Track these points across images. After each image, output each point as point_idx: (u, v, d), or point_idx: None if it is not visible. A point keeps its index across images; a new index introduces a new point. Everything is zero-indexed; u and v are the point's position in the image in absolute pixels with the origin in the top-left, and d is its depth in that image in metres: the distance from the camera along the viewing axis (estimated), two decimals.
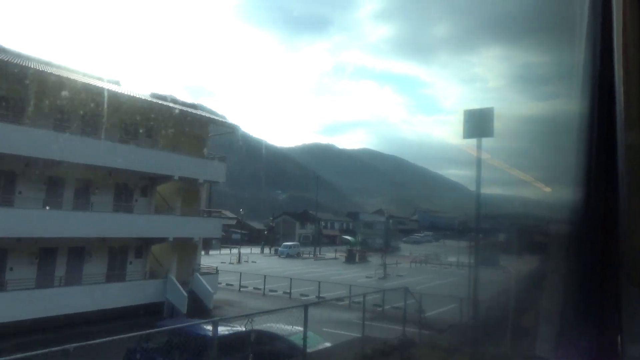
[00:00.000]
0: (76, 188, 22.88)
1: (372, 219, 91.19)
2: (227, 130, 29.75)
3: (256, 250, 77.44)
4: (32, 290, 20.66)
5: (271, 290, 33.88)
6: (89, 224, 22.10)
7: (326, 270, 50.79)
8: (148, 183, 25.78)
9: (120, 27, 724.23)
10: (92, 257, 23.38)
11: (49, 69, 22.10)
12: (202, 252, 69.07)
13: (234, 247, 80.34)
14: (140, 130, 25.41)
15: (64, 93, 21.09)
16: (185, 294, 23.80)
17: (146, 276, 25.26)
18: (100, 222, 22.64)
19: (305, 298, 31.78)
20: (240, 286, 34.78)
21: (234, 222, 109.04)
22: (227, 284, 35.59)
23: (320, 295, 31.82)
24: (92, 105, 22.76)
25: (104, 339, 9.44)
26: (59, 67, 24.84)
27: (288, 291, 32.96)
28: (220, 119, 28.75)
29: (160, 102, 26.36)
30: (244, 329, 14.23)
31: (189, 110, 27.46)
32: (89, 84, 22.46)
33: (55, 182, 22.17)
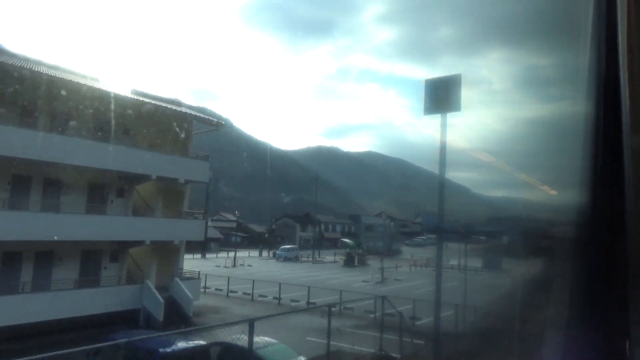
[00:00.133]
0: (44, 188, 21.53)
1: (374, 222, 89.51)
2: (212, 128, 28.31)
3: (254, 253, 76.00)
4: None
5: (261, 296, 32.46)
6: (58, 227, 20.68)
7: (323, 274, 49.29)
8: (125, 183, 24.39)
9: (126, 31, 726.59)
10: (61, 262, 22.00)
11: (17, 62, 20.81)
12: (199, 256, 68.12)
13: (234, 251, 79.20)
14: (116, 127, 24.03)
15: (29, 86, 19.74)
16: (161, 300, 22.35)
17: (122, 282, 23.85)
18: (71, 225, 21.25)
19: (295, 304, 30.34)
20: (229, 291, 33.36)
21: (234, 224, 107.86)
22: (217, 289, 34.20)
23: (311, 300, 30.40)
24: (61, 99, 21.43)
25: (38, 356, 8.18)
26: (36, 62, 23.60)
27: (277, 296, 31.51)
28: (204, 116, 27.31)
29: (138, 97, 24.99)
30: (205, 342, 12.84)
31: (170, 106, 26.07)
32: (56, 77, 21.11)
33: (20, 181, 20.82)
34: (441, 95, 7.88)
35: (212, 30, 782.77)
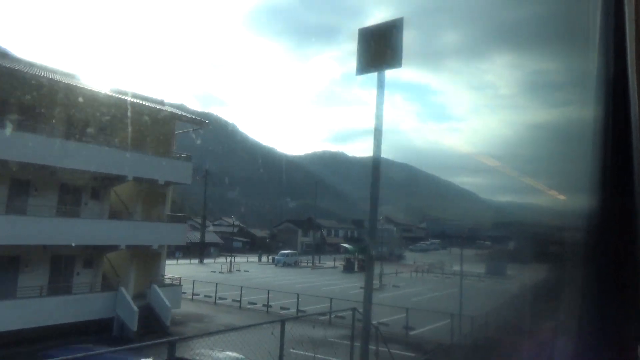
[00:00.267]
0: (10, 189, 20.27)
1: (378, 227, 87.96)
2: (195, 127, 27.00)
3: (254, 258, 74.64)
4: None
5: (250, 303, 31.07)
6: (24, 230, 19.41)
7: (320, 281, 47.85)
8: (100, 184, 23.13)
9: (132, 36, 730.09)
10: (29, 268, 20.71)
11: None
12: (197, 261, 66.87)
13: (235, 256, 77.89)
14: (91, 126, 22.82)
15: None
16: (135, 309, 21.00)
17: (96, 289, 22.54)
18: (39, 228, 19.95)
19: (284, 312, 28.93)
20: (217, 298, 31.99)
21: (235, 229, 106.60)
22: (206, 296, 32.84)
23: (302, 308, 28.99)
24: (31, 96, 20.22)
25: None
26: (14, 59, 22.44)
27: (269, 304, 30.12)
28: (187, 114, 26.03)
29: (115, 95, 23.77)
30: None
31: (151, 105, 24.82)
32: (27, 72, 19.91)
33: None
34: (378, 48, 6.40)
35: (217, 37, 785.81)
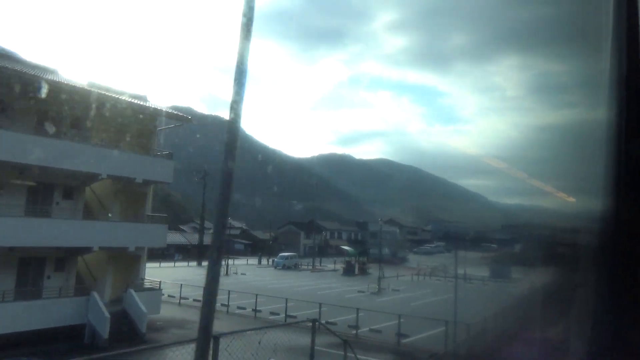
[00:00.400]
0: None
1: (379, 229, 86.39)
2: (177, 123, 25.71)
3: (254, 261, 73.35)
4: None
5: (239, 307, 29.74)
6: None
7: (317, 284, 46.41)
8: (73, 183, 21.89)
9: (138, 40, 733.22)
10: None
11: None
12: (194, 264, 65.67)
13: (235, 258, 76.72)
14: (65, 121, 21.62)
15: None
16: (106, 314, 19.69)
17: (67, 293, 21.27)
18: (5, 229, 18.69)
19: (273, 317, 27.58)
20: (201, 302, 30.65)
21: (238, 231, 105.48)
22: (195, 300, 31.53)
23: (292, 314, 27.62)
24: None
25: None
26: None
27: (258, 309, 28.78)
28: (170, 111, 24.73)
29: (92, 89, 22.55)
30: None
31: (131, 100, 23.57)
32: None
33: None
34: None
35: (224, 40, 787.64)
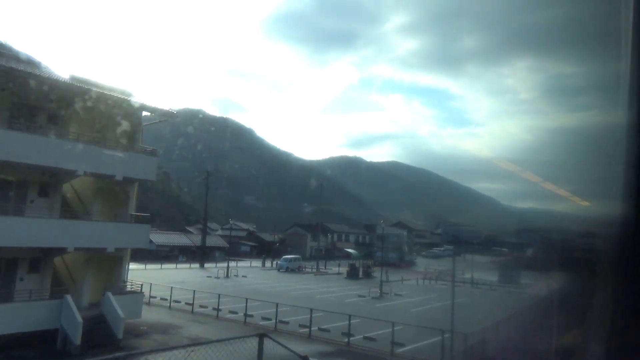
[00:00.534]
0: None
1: (387, 232, 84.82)
2: (162, 118, 24.56)
3: (258, 263, 72.19)
4: None
5: (231, 312, 28.50)
6: None
7: (318, 288, 45.09)
8: (49, 180, 20.82)
9: (150, 43, 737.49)
10: None
11: None
12: (197, 265, 64.65)
13: (240, 260, 75.66)
14: (40, 115, 20.58)
15: None
16: (79, 319, 18.54)
17: (43, 296, 20.17)
18: None
19: (263, 323, 26.31)
20: (196, 306, 29.52)
21: (244, 233, 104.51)
22: (187, 303, 30.36)
23: (284, 319, 26.33)
24: None
25: None
26: None
27: (249, 314, 27.52)
28: (153, 106, 23.58)
29: (72, 82, 21.51)
30: None
31: (112, 94, 22.47)
32: None
33: None
34: None
35: (236, 43, 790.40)
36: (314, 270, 63.96)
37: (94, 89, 21.79)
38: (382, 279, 49.07)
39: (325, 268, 66.80)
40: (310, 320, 24.30)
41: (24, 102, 20.00)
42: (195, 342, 19.23)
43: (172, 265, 62.68)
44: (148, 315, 27.50)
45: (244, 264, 71.53)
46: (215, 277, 50.36)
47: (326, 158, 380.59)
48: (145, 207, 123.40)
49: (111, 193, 23.01)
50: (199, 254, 69.10)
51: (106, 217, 22.89)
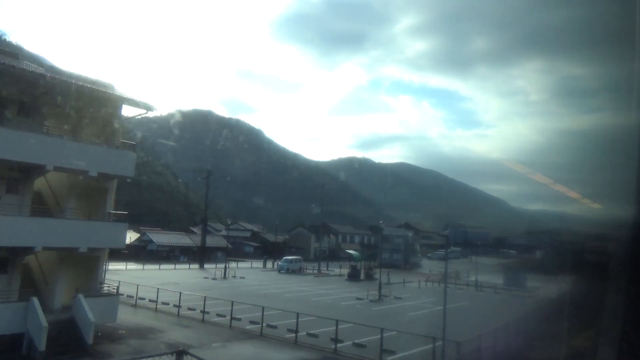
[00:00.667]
0: None
1: (391, 233, 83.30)
2: (141, 112, 23.40)
3: (260, 264, 71.04)
4: None
5: (219, 315, 27.25)
6: None
7: (316, 290, 43.78)
8: (18, 176, 19.75)
9: (162, 44, 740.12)
10: None
11: None
12: (197, 266, 63.61)
13: (241, 261, 74.59)
14: (10, 107, 19.51)
15: None
16: (44, 323, 17.39)
17: (11, 298, 19.06)
18: None
19: (250, 327, 25.07)
20: (182, 308, 28.36)
21: (248, 234, 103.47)
22: (175, 305, 29.18)
23: (272, 323, 25.09)
24: None
25: None
26: None
27: (237, 317, 26.27)
28: (132, 98, 22.45)
29: (46, 73, 20.44)
30: None
31: (88, 85, 21.37)
32: None
33: None
34: None
35: (245, 45, 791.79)
36: (315, 271, 62.69)
37: (70, 80, 20.72)
38: (383, 281, 47.73)
39: (327, 269, 65.50)
40: (297, 325, 23.03)
41: None
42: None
43: (171, 266, 61.66)
44: (131, 318, 26.42)
45: (245, 264, 70.45)
46: (212, 279, 49.24)
47: (335, 159, 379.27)
48: (153, 207, 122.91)
49: (87, 190, 21.91)
50: (200, 255, 68.11)
51: (82, 216, 21.78)
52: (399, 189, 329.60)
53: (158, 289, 30.21)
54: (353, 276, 54.49)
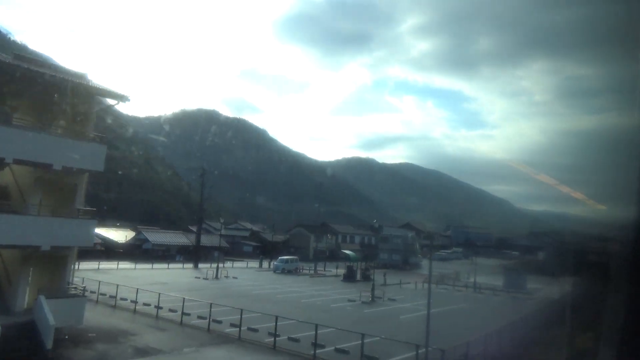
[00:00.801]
0: None
1: (390, 233, 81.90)
2: (114, 102, 22.17)
3: (256, 263, 69.81)
4: None
5: (200, 317, 26.00)
6: None
7: (309, 291, 42.48)
8: None
9: (165, 45, 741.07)
10: None
11: None
12: (191, 266, 62.46)
13: (237, 260, 73.42)
14: None
15: None
16: None
17: None
18: None
19: (229, 330, 23.83)
20: (161, 310, 27.15)
21: (247, 233, 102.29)
22: (156, 306, 27.97)
23: (254, 326, 23.83)
24: None
25: None
26: None
27: (218, 320, 25.04)
28: (106, 89, 21.24)
29: (14, 62, 19.30)
30: None
31: (56, 74, 20.20)
32: None
33: None
34: None
35: (250, 45, 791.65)
36: (312, 271, 61.41)
37: (37, 69, 19.54)
38: (380, 282, 46.45)
39: (324, 270, 64.20)
40: (276, 328, 21.78)
41: None
42: None
43: (164, 265, 60.50)
44: (107, 319, 25.23)
45: (241, 264, 69.30)
46: (203, 278, 48.03)
47: (339, 159, 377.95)
48: (156, 206, 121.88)
49: (56, 185, 20.73)
50: (201, 254, 67.01)
51: (49, 212, 20.59)
52: (403, 189, 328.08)
53: (137, 289, 28.99)
54: (349, 277, 53.18)
